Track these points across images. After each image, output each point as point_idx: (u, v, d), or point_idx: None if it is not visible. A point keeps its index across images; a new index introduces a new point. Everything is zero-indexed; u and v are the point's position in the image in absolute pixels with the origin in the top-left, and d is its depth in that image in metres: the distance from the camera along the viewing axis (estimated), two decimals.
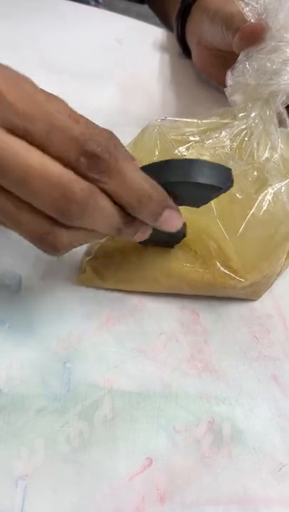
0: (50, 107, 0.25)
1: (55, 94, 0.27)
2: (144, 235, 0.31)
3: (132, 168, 0.27)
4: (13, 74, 0.26)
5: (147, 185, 0.28)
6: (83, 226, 0.27)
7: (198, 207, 0.32)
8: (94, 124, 0.27)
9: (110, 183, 0.26)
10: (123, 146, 0.27)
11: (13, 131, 0.25)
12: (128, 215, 0.28)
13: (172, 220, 0.30)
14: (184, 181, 0.29)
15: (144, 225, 0.30)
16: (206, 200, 0.31)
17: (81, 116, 0.26)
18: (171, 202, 0.29)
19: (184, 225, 0.35)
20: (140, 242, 0.34)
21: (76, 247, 0.30)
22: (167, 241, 0.36)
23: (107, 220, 0.28)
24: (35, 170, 0.25)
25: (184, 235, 0.36)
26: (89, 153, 0.25)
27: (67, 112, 0.26)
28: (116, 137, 0.27)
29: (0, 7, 0.60)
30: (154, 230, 0.31)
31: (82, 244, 0.31)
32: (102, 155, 0.25)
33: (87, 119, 0.27)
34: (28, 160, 0.25)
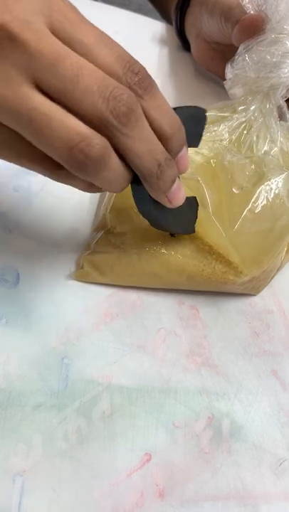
0: (94, 26, 0.26)
1: None
2: (180, 188, 0.30)
3: (165, 99, 0.28)
4: None
5: (176, 116, 0.29)
6: (124, 139, 0.26)
7: None
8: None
9: (149, 102, 0.27)
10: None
11: (60, 37, 0.25)
12: (165, 151, 0.28)
13: (186, 157, 0.30)
14: None
15: (176, 171, 0.29)
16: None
17: None
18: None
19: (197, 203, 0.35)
20: (162, 229, 0.35)
21: (108, 178, 0.27)
22: (185, 223, 0.36)
23: (149, 142, 0.27)
24: (88, 68, 0.25)
25: (196, 217, 0.36)
26: (134, 68, 0.26)
27: (108, 37, 0.27)
28: None
29: None
30: (173, 211, 0.31)
31: (115, 182, 0.28)
32: (144, 73, 0.27)
33: None
34: (80, 60, 0.25)
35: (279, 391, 0.35)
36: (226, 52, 0.51)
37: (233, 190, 0.34)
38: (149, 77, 0.27)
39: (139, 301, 0.38)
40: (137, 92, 0.26)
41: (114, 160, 0.27)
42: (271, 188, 0.34)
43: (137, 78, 0.26)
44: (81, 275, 0.38)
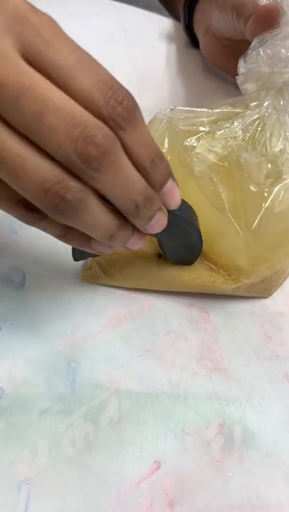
0: (75, 44, 0.24)
1: None
2: (161, 221, 0.28)
3: (147, 127, 0.25)
4: (38, 9, 0.24)
5: (158, 147, 0.26)
6: (97, 183, 0.24)
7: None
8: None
9: (132, 134, 0.24)
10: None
11: (32, 60, 0.22)
12: (147, 188, 0.26)
13: (175, 191, 0.28)
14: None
15: (158, 206, 0.27)
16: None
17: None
18: (172, 172, 0.28)
19: (200, 237, 0.34)
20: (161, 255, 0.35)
21: (87, 223, 0.25)
22: (184, 255, 0.35)
23: (126, 185, 0.25)
24: (55, 103, 0.22)
25: (201, 248, 0.35)
26: (117, 96, 0.23)
27: (92, 57, 0.24)
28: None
29: None
30: (171, 242, 0.32)
31: (95, 229, 0.26)
32: (128, 102, 0.24)
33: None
34: (47, 91, 0.22)
35: None
36: (236, 49, 0.50)
37: (251, 188, 0.33)
38: (134, 104, 0.24)
39: (147, 303, 0.37)
40: (119, 125, 0.24)
41: (94, 203, 0.25)
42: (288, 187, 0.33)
43: (120, 108, 0.23)
44: (88, 277, 0.37)
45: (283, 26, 0.35)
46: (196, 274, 0.36)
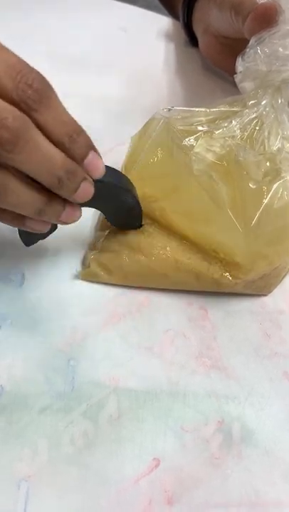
0: None
1: None
2: (87, 190, 0.29)
3: (62, 104, 0.26)
4: None
5: (76, 122, 0.27)
6: (15, 163, 0.25)
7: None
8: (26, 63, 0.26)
9: (45, 113, 0.25)
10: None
11: None
12: (69, 162, 0.27)
13: (97, 162, 0.29)
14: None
15: (81, 177, 0.28)
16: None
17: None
18: (93, 144, 0.29)
19: (135, 198, 0.35)
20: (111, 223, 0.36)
21: (14, 204, 0.27)
22: (126, 219, 0.36)
23: (45, 161, 0.26)
24: None
25: (140, 209, 0.36)
26: (27, 79, 0.24)
27: (1, 44, 0.25)
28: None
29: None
30: (107, 208, 0.33)
31: (23, 207, 0.28)
32: (38, 84, 0.25)
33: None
34: None
35: None
36: (234, 47, 0.50)
37: (250, 185, 0.33)
38: (45, 85, 0.25)
39: (146, 301, 0.37)
40: (30, 107, 0.25)
41: (16, 184, 0.26)
42: (287, 186, 0.33)
43: (30, 91, 0.24)
44: (88, 275, 0.37)
45: (281, 24, 0.35)
46: (196, 271, 0.36)
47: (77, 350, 0.34)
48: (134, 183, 0.35)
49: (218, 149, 0.35)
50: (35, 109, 0.25)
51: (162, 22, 0.62)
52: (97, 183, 0.30)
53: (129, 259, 0.36)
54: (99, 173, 0.29)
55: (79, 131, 0.27)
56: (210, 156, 0.35)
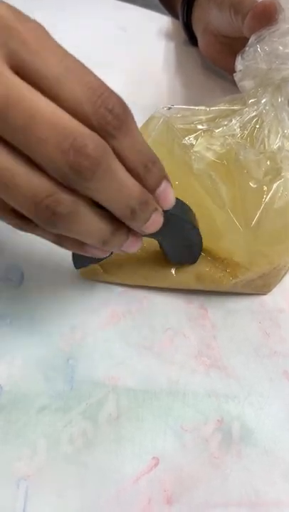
0: (64, 51, 0.23)
1: None
2: (157, 221, 0.28)
3: (140, 133, 0.25)
4: (25, 15, 0.23)
5: (152, 150, 0.26)
6: (91, 192, 0.24)
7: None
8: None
9: (123, 141, 0.24)
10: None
11: (19, 71, 0.22)
12: (143, 193, 0.26)
13: (169, 193, 0.28)
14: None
15: (153, 208, 0.27)
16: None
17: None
18: (166, 173, 0.28)
19: (198, 236, 0.34)
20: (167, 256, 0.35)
21: (80, 231, 0.26)
22: (184, 254, 0.35)
23: (120, 191, 0.25)
24: (43, 115, 0.21)
25: (201, 247, 0.35)
26: (107, 104, 0.23)
27: (83, 64, 0.24)
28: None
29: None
30: (169, 241, 0.32)
31: (89, 236, 0.26)
32: (119, 109, 0.23)
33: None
34: (35, 103, 0.21)
35: None
36: (234, 46, 0.50)
37: (251, 184, 0.33)
38: (125, 111, 0.24)
39: (146, 300, 0.37)
40: (110, 133, 0.23)
41: (86, 213, 0.25)
42: (288, 185, 0.33)
43: (110, 116, 0.23)
44: (87, 273, 0.37)
45: (281, 23, 0.35)
46: (195, 270, 0.36)
47: (76, 349, 0.34)
48: None
49: (218, 148, 0.35)
50: (115, 135, 0.24)
51: (162, 21, 0.62)
52: (166, 213, 0.29)
53: (130, 259, 0.36)
54: (170, 203, 0.28)
55: (154, 160, 0.26)
56: (210, 155, 0.35)
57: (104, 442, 0.31)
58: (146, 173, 0.26)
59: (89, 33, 0.58)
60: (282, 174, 0.33)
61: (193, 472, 0.30)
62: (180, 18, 0.57)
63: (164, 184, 0.27)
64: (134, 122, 0.25)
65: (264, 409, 0.33)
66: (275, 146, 0.34)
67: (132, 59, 0.56)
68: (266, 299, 0.38)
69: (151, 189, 0.26)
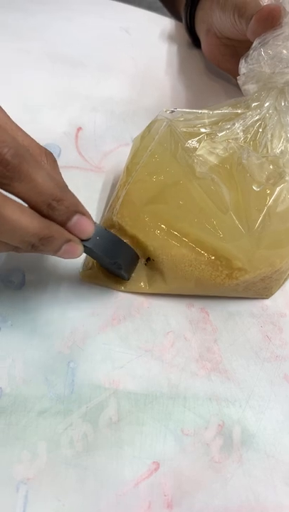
0: None
1: None
2: (71, 251, 0.30)
3: (43, 173, 0.27)
4: None
5: (58, 189, 0.28)
6: None
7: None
8: (7, 131, 0.27)
9: (19, 187, 0.27)
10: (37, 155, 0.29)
11: None
12: (44, 228, 0.28)
13: (81, 225, 0.30)
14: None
15: (62, 240, 0.29)
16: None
17: None
18: (82, 207, 0.30)
19: (119, 268, 0.35)
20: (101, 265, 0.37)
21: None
22: (115, 269, 0.36)
23: (13, 231, 0.27)
24: None
25: (127, 274, 0.36)
26: None
27: None
28: (37, 146, 0.29)
29: (14, 1, 0.59)
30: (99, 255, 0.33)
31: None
32: (11, 158, 0.26)
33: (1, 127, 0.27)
34: None
35: None
36: (237, 49, 0.50)
37: (253, 188, 0.33)
38: (17, 159, 0.26)
39: (147, 303, 0.37)
40: (2, 183, 0.26)
41: None
42: None
43: (0, 168, 0.26)
44: (88, 276, 0.37)
45: (285, 26, 0.35)
46: (196, 273, 0.36)
47: (77, 352, 0.34)
48: (135, 184, 0.35)
49: (221, 152, 0.35)
50: (7, 183, 0.26)
51: (165, 23, 0.62)
52: (84, 245, 0.31)
53: None
54: (84, 235, 0.30)
55: (59, 197, 0.28)
56: (213, 159, 0.35)
57: (104, 446, 0.31)
58: (51, 210, 0.28)
59: (92, 35, 0.58)
60: (286, 178, 0.33)
61: (193, 476, 0.30)
62: (183, 20, 0.57)
63: (75, 218, 0.29)
64: (33, 165, 0.27)
65: (265, 413, 0.33)
66: (278, 150, 0.34)
67: (135, 61, 0.56)
68: (267, 302, 0.38)
69: (61, 224, 0.29)
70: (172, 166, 0.36)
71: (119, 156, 0.42)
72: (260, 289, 0.38)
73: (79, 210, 0.30)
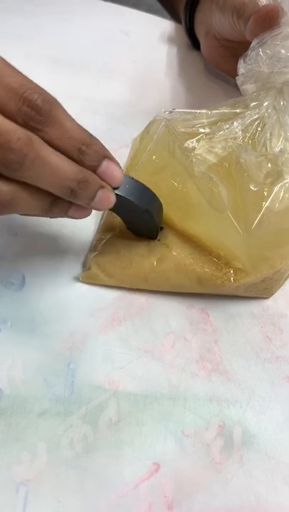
0: None
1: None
2: (105, 198, 0.30)
3: (71, 118, 0.28)
4: None
5: (86, 134, 0.28)
6: (25, 179, 0.27)
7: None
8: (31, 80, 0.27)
9: (50, 132, 0.27)
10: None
11: None
12: (80, 172, 0.28)
13: (112, 170, 0.30)
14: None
15: (97, 186, 0.29)
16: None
17: (19, 71, 0.26)
18: (110, 153, 0.30)
19: (151, 217, 0.34)
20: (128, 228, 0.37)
21: (23, 211, 0.29)
22: (143, 230, 0.36)
23: (54, 174, 0.27)
24: None
25: (156, 226, 0.36)
26: (29, 102, 0.25)
27: (5, 64, 0.26)
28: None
29: (14, 3, 0.60)
30: (125, 217, 0.33)
31: (31, 212, 0.29)
32: (42, 104, 0.26)
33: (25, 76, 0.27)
34: None
35: None
36: (236, 50, 0.50)
37: (251, 187, 0.33)
38: (48, 105, 0.26)
39: (147, 304, 0.37)
40: (34, 127, 0.26)
41: (25, 197, 0.27)
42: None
43: (33, 113, 0.26)
44: (88, 277, 0.37)
45: (283, 26, 0.35)
46: (197, 273, 0.36)
47: (77, 353, 0.34)
48: None
49: (219, 151, 0.35)
50: (40, 129, 0.26)
51: (164, 25, 0.62)
52: (116, 193, 0.30)
53: (131, 262, 0.36)
54: (115, 181, 0.30)
55: (88, 142, 0.28)
56: (211, 158, 0.35)
57: (104, 447, 0.31)
58: (81, 155, 0.28)
59: (92, 37, 0.58)
60: (284, 177, 0.33)
61: (193, 477, 0.30)
62: (183, 22, 0.57)
63: (104, 163, 0.29)
64: (62, 112, 0.27)
65: (266, 414, 0.33)
66: (277, 149, 0.34)
67: (135, 63, 0.56)
68: (268, 303, 0.38)
69: (91, 169, 0.29)
70: (171, 165, 0.36)
71: (119, 158, 0.41)
72: (261, 290, 0.38)
73: (107, 155, 0.30)
